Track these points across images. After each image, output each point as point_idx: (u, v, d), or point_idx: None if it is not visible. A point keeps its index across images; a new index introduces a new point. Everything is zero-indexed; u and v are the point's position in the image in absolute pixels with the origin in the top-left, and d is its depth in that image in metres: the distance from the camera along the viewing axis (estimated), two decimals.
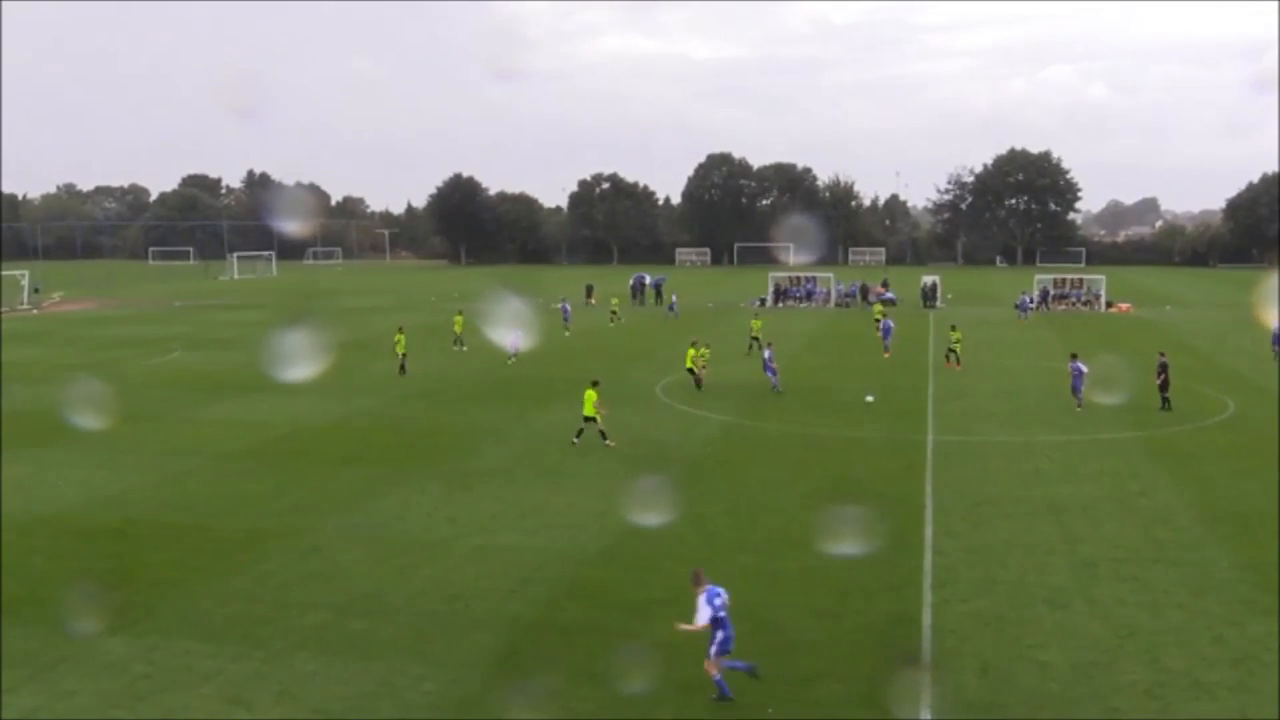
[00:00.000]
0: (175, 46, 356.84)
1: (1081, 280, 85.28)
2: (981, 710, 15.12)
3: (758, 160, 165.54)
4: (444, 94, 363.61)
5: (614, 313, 71.59)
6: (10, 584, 20.65)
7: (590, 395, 31.18)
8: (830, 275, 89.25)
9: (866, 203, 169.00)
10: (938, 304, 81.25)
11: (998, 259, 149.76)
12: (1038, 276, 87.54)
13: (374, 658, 16.88)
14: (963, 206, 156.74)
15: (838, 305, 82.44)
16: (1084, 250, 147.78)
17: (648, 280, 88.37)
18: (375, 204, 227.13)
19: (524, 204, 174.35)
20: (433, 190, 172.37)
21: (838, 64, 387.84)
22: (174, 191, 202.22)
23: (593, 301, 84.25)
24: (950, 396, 39.37)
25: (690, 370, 41.79)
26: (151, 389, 43.53)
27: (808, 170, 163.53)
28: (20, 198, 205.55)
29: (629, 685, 15.78)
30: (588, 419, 31.22)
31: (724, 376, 43.80)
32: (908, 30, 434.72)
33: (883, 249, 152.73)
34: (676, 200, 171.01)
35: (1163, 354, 37.73)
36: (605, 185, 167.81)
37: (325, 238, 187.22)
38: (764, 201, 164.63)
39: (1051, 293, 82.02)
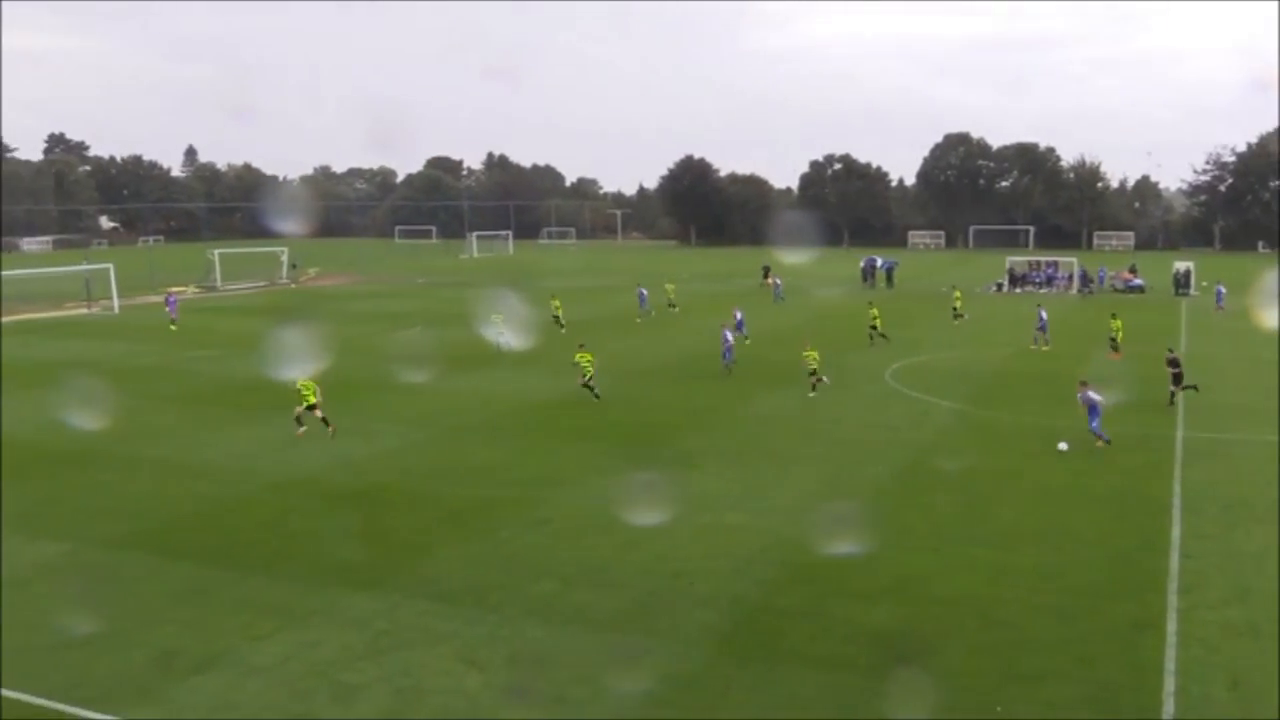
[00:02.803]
0: (423, 35, 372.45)
1: None
2: None
3: (997, 140, 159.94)
4: (677, 76, 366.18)
5: (671, 303, 65.78)
6: (267, 539, 22.17)
7: (309, 385, 31.18)
8: (1073, 260, 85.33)
9: (1114, 184, 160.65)
10: (1191, 291, 76.61)
11: (1260, 244, 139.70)
12: None
13: (600, 629, 17.27)
14: (1222, 188, 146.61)
15: (1080, 292, 78.82)
16: None
17: (878, 263, 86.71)
18: (608, 185, 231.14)
19: (754, 185, 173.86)
20: (664, 172, 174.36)
21: (1085, 38, 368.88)
22: (419, 173, 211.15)
23: (769, 282, 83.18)
24: (1201, 390, 37.05)
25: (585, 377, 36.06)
26: (395, 361, 45.69)
27: (1051, 150, 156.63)
28: (281, 179, 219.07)
29: (850, 673, 15.62)
30: (309, 407, 31.01)
31: (957, 364, 42.62)
32: (1160, 2, 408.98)
33: (1131, 233, 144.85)
34: (910, 181, 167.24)
35: (1171, 350, 36.20)
36: (837, 166, 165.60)
37: (560, 218, 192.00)
38: (1003, 183, 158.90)
39: None
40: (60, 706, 14.96)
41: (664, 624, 17.46)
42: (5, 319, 63.98)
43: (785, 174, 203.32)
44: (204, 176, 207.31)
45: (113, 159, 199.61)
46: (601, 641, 16.77)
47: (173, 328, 58.40)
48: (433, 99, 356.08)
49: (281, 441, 30.56)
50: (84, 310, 70.70)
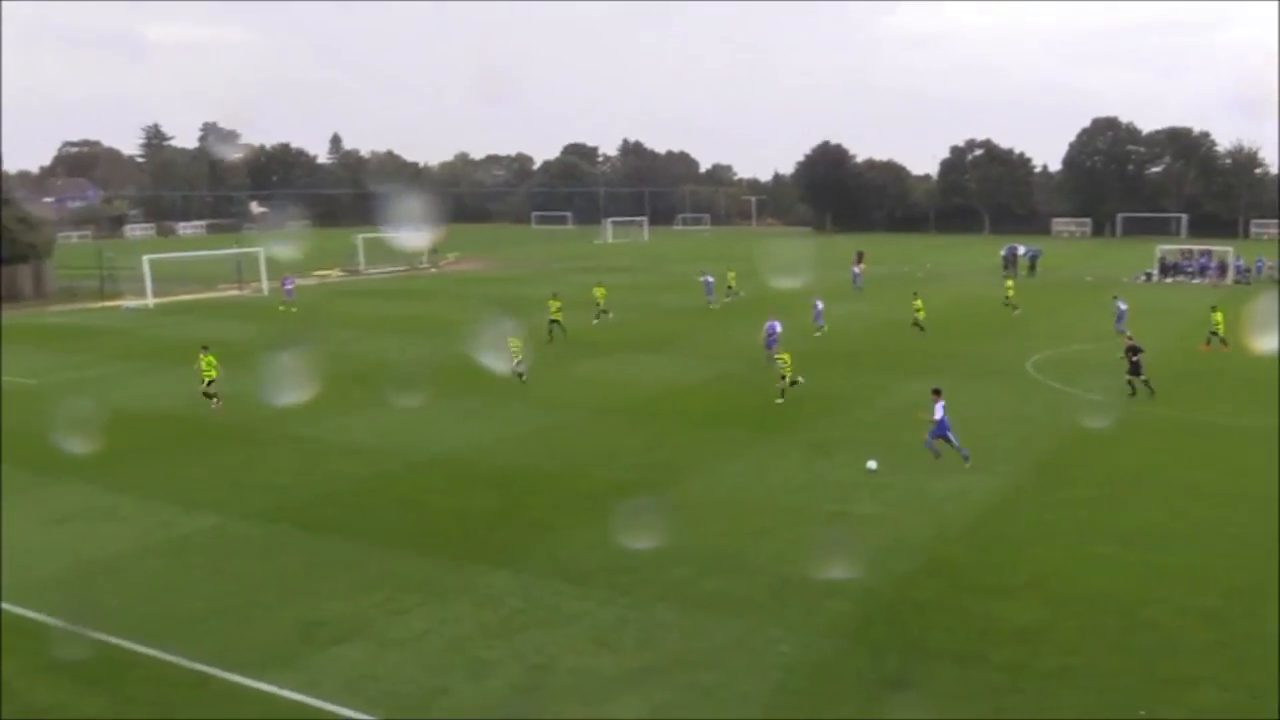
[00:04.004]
0: (560, 24, 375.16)
1: None
2: None
3: (1148, 125, 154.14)
4: (815, 62, 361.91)
5: (730, 289, 64.30)
6: (407, 516, 22.74)
7: (209, 360, 33.26)
8: (1229, 249, 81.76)
9: (1274, 170, 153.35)
10: None
11: None
12: None
13: (731, 615, 17.25)
14: None
15: (1235, 282, 75.52)
16: None
17: (1020, 251, 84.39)
18: (743, 171, 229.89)
19: (892, 171, 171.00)
20: (800, 158, 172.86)
21: (1242, 20, 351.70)
22: (556, 159, 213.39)
23: (860, 268, 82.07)
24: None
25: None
26: (533, 346, 46.31)
27: (1205, 135, 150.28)
28: (421, 165, 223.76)
29: (987, 668, 15.30)
30: (210, 383, 33.08)
31: (1101, 356, 41.26)
32: None
33: None
34: (1055, 167, 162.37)
35: (1131, 337, 34.96)
36: (978, 152, 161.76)
37: (694, 204, 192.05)
38: (1154, 169, 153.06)
39: None
40: (210, 670, 15.61)
41: (795, 613, 17.36)
42: (162, 299, 66.85)
43: (924, 160, 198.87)
44: (349, 164, 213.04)
45: (263, 146, 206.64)
46: (732, 627, 16.76)
47: (283, 308, 61.61)
48: (571, 86, 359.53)
49: (419, 421, 31.27)
50: (235, 291, 73.49)
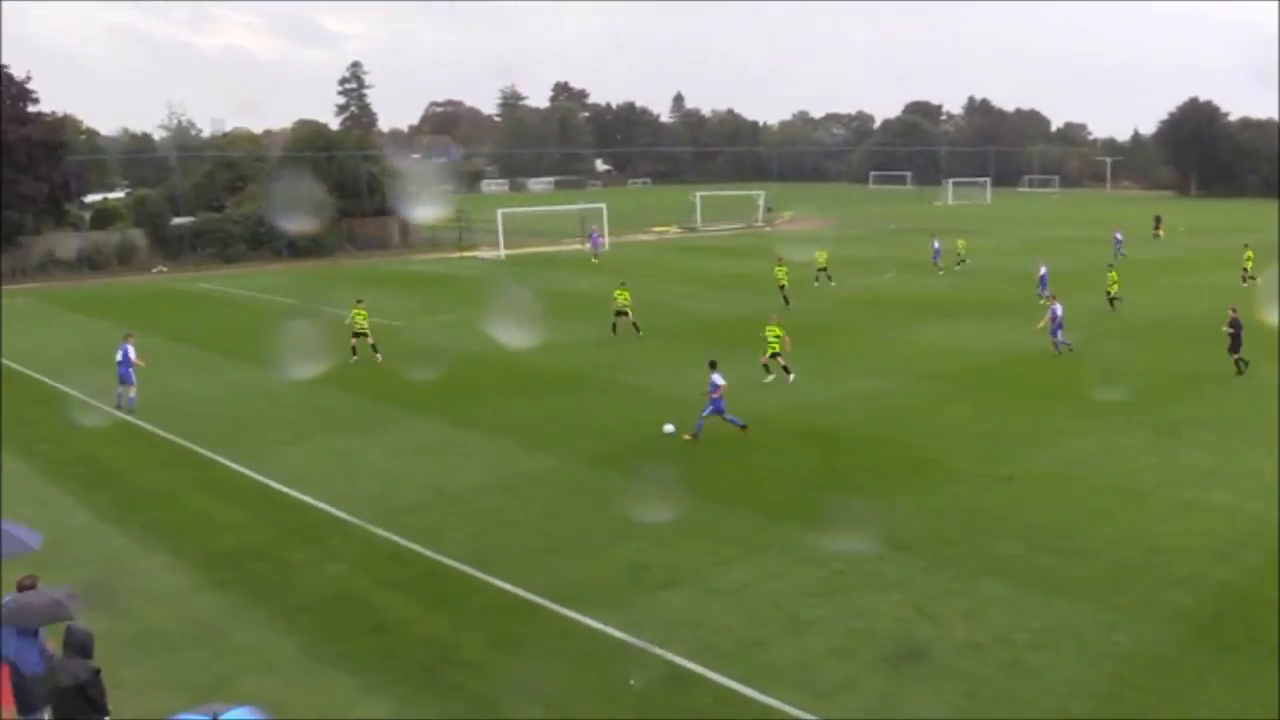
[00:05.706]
0: None
1: None
2: None
3: None
4: (1183, 9, 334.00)
5: (960, 259, 60.40)
6: (731, 471, 23.13)
7: (362, 312, 34.69)
8: None
9: None
10: None
11: None
12: None
13: (1061, 596, 16.48)
14: None
15: None
16: None
17: None
18: (1098, 131, 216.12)
19: (1271, 131, 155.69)
20: (1164, 116, 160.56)
21: None
22: (897, 118, 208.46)
23: (1160, 234, 76.10)
24: None
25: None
26: (863, 306, 45.81)
27: None
28: (760, 124, 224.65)
29: None
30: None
31: None
32: None
33: None
34: None
35: (1234, 309, 31.48)
36: None
37: (1043, 165, 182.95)
38: None
39: None
40: (542, 602, 16.55)
41: (1133, 601, 16.35)
42: (513, 251, 70.92)
43: None
44: (690, 122, 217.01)
45: (608, 105, 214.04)
46: (1063, 609, 15.99)
47: (594, 260, 66.27)
48: (915, 40, 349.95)
49: (747, 380, 31.56)
50: (579, 246, 76.76)
